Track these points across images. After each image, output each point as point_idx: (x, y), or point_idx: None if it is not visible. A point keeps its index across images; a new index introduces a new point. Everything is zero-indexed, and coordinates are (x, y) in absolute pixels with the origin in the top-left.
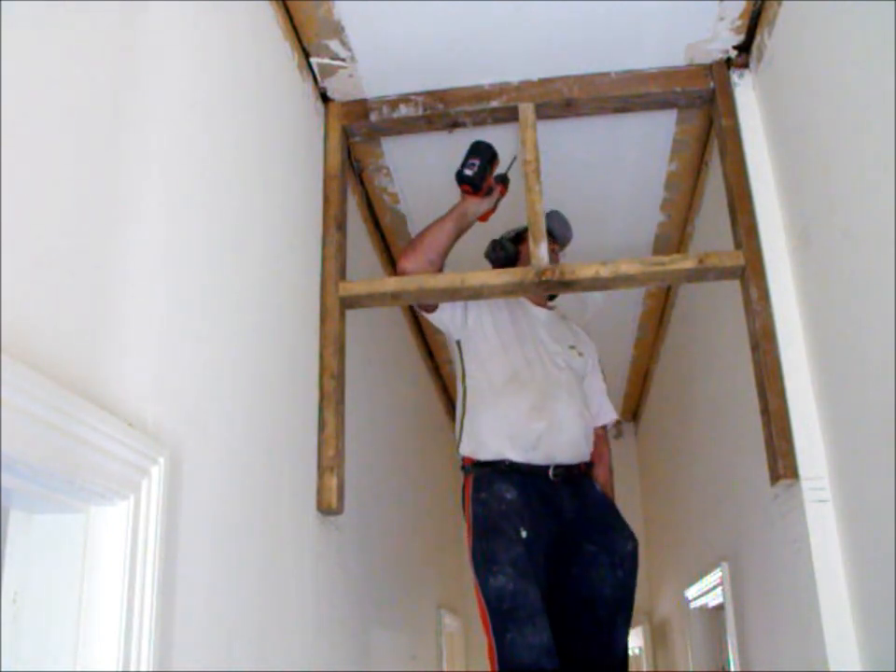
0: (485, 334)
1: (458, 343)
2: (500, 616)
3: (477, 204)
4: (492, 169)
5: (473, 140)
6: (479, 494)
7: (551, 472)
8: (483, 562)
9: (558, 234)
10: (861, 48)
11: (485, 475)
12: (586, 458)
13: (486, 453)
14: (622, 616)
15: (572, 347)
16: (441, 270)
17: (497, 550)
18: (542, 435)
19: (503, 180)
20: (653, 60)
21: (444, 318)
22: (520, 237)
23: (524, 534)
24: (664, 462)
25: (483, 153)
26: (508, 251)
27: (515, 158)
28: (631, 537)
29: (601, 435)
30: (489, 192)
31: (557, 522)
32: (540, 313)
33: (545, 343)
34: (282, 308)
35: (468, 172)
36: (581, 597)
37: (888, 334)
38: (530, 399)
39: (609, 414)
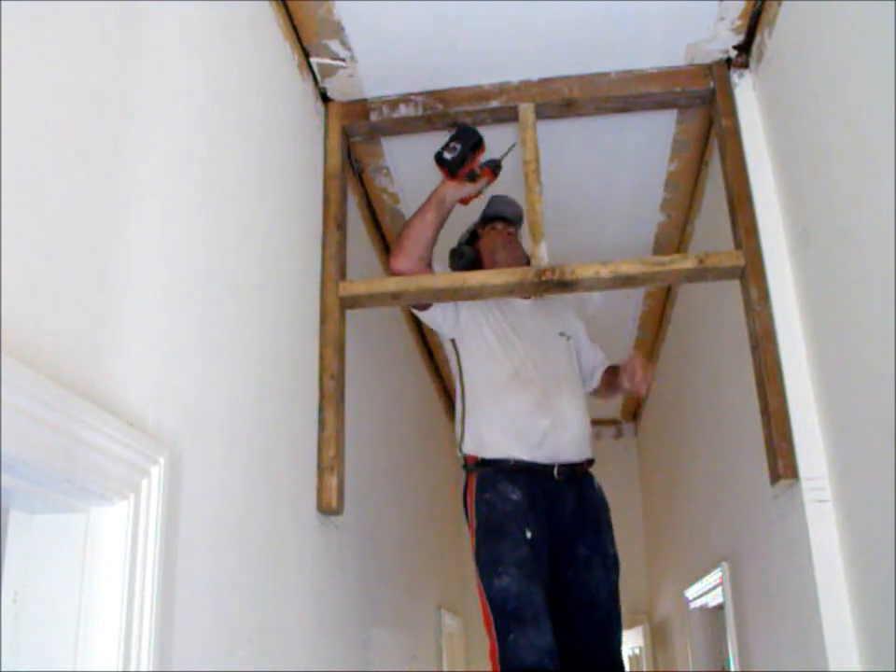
0: (480, 332)
1: (453, 341)
2: (504, 617)
3: (455, 189)
4: (474, 155)
5: (460, 124)
6: (483, 494)
7: (555, 471)
8: (488, 563)
9: (510, 214)
10: (861, 47)
11: (490, 475)
12: (588, 456)
13: (491, 451)
14: (616, 617)
15: (561, 334)
16: (430, 263)
17: (502, 551)
18: (547, 433)
19: (494, 166)
20: (653, 60)
21: (437, 316)
22: (474, 235)
23: (529, 535)
24: (664, 462)
25: (466, 138)
26: (468, 256)
27: (514, 145)
28: (613, 540)
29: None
30: (472, 178)
31: (558, 522)
32: (523, 304)
33: (537, 335)
34: (282, 308)
35: (446, 155)
36: (578, 601)
37: (888, 334)
38: (533, 396)
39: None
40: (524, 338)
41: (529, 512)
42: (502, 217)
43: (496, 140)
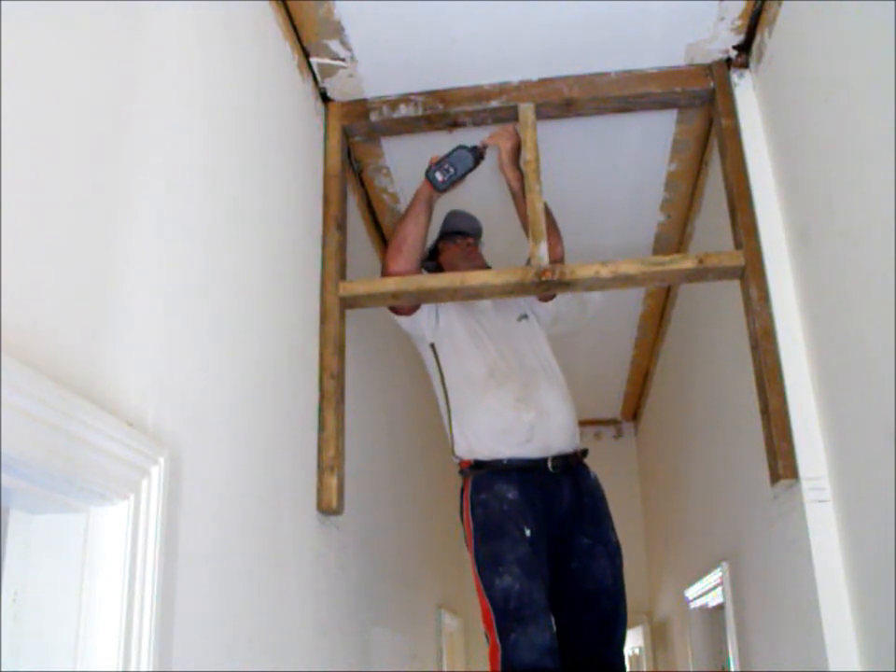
0: (455, 333)
1: (432, 346)
2: (506, 616)
3: (440, 194)
4: (464, 176)
5: (459, 145)
6: (479, 496)
7: (550, 464)
8: (488, 563)
9: (468, 229)
10: (861, 47)
11: (484, 476)
12: (579, 445)
13: (482, 453)
14: (622, 607)
15: (520, 318)
16: (421, 262)
17: (502, 550)
18: (534, 425)
19: (478, 156)
20: (653, 60)
21: (422, 320)
22: (435, 251)
23: (528, 532)
24: (664, 462)
25: (460, 164)
26: (431, 272)
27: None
28: (614, 528)
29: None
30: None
31: (556, 516)
32: (486, 302)
33: (503, 330)
34: (282, 308)
35: (438, 177)
36: (583, 591)
37: (888, 334)
38: (513, 391)
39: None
40: (493, 336)
41: (527, 510)
42: (460, 231)
43: None
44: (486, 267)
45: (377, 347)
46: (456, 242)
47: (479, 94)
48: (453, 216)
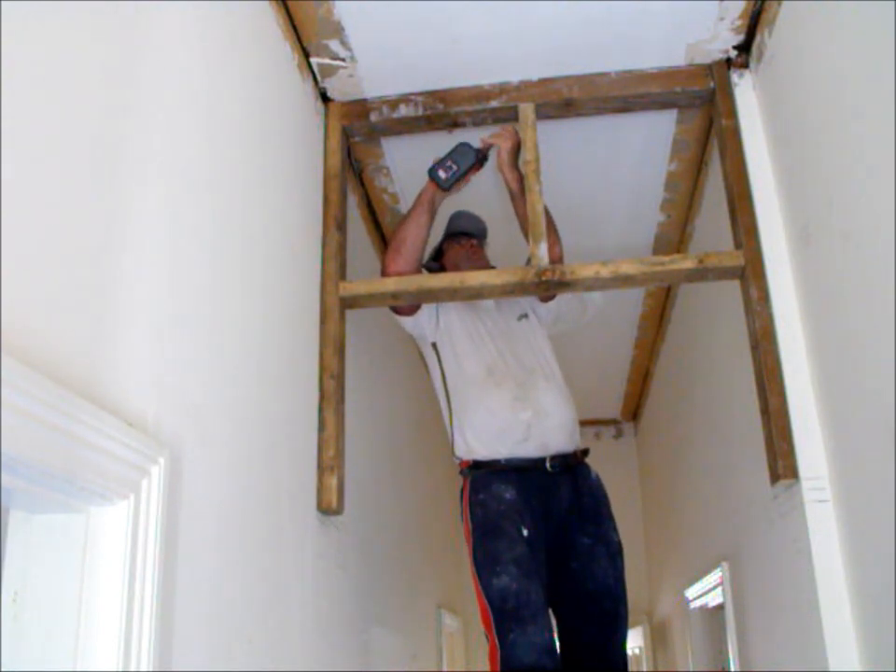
0: (455, 333)
1: (434, 345)
2: (504, 616)
3: (444, 195)
4: (467, 174)
5: (461, 142)
6: (477, 495)
7: (548, 464)
8: (485, 563)
9: (471, 228)
10: (861, 48)
11: (482, 476)
12: (579, 445)
13: (480, 452)
14: (624, 607)
15: (520, 318)
16: (422, 262)
17: (499, 550)
18: (531, 424)
19: (482, 158)
20: (653, 60)
21: (423, 320)
22: (440, 252)
23: (525, 532)
24: (664, 462)
25: (462, 160)
26: (435, 272)
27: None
28: (616, 528)
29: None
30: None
31: (555, 516)
32: (488, 302)
33: (503, 329)
34: (282, 308)
35: (441, 174)
36: (584, 591)
37: (887, 334)
38: (510, 391)
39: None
40: (493, 335)
41: (524, 510)
42: (464, 232)
43: None
44: (490, 268)
45: (377, 347)
46: (461, 242)
47: (479, 94)
48: (457, 216)
